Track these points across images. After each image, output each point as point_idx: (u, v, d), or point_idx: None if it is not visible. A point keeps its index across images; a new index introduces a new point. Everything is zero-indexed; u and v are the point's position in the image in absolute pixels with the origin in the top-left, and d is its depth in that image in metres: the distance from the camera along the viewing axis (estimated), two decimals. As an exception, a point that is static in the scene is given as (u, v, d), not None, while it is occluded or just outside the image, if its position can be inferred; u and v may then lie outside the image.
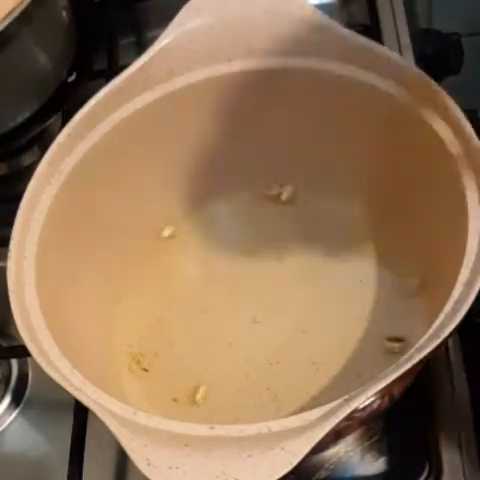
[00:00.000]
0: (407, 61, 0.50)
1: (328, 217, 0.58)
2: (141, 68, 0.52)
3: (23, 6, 0.60)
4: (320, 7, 0.52)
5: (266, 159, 0.58)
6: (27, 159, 0.72)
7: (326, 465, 0.52)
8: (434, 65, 0.74)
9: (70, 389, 0.41)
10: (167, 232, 0.59)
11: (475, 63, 0.84)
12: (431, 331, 0.40)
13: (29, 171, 0.50)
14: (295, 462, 0.36)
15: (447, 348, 0.54)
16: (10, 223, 0.48)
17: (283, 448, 0.36)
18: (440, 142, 0.47)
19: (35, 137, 0.69)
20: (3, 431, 0.60)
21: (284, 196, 0.59)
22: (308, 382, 0.50)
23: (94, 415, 0.40)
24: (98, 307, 0.54)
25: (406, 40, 0.72)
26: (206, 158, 0.58)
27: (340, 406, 0.37)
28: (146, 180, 0.57)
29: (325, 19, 0.51)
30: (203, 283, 0.57)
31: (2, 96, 0.66)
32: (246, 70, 0.53)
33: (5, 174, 0.74)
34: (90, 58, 0.71)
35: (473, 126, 0.46)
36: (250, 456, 0.37)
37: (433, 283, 0.50)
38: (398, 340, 0.50)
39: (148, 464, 0.37)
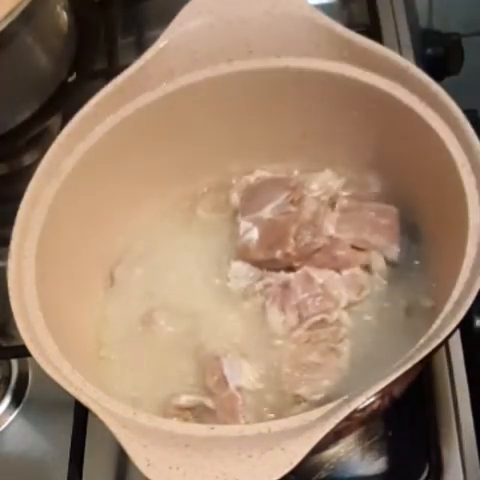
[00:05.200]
0: (407, 61, 0.50)
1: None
2: (141, 68, 0.52)
3: (23, 6, 0.60)
4: (320, 7, 0.52)
5: (267, 157, 0.58)
6: (27, 159, 0.72)
7: (326, 465, 0.52)
8: (434, 65, 0.75)
9: (70, 389, 0.41)
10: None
11: (475, 63, 0.84)
12: (431, 331, 0.40)
13: (29, 171, 0.50)
14: (295, 462, 0.36)
15: (447, 348, 0.54)
16: (10, 223, 0.48)
17: (283, 448, 0.36)
18: (440, 142, 0.47)
19: (35, 137, 0.69)
20: (3, 431, 0.60)
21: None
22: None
23: (94, 415, 0.40)
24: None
25: (406, 40, 0.72)
26: (206, 157, 0.58)
27: (340, 406, 0.37)
28: (146, 179, 0.57)
29: (325, 19, 0.51)
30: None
31: (2, 96, 0.66)
32: (246, 70, 0.53)
33: (5, 174, 0.74)
34: (90, 58, 0.71)
35: (473, 126, 0.46)
36: (250, 456, 0.37)
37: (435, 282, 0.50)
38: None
39: (148, 464, 0.37)
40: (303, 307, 0.51)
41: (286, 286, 0.52)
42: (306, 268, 0.52)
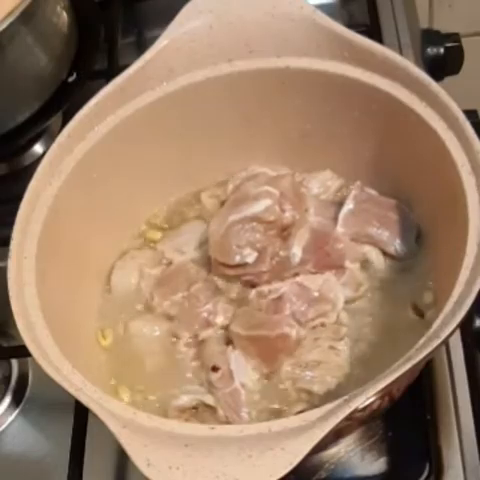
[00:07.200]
0: (407, 61, 0.50)
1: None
2: (141, 68, 0.52)
3: (23, 6, 0.60)
4: (320, 7, 0.52)
5: (268, 157, 0.58)
6: (27, 159, 0.72)
7: (326, 465, 0.52)
8: (434, 65, 0.75)
9: (71, 390, 0.41)
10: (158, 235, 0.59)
11: (475, 63, 0.84)
12: (431, 331, 0.40)
13: (29, 171, 0.50)
14: (295, 462, 0.36)
15: (447, 348, 0.54)
16: (10, 223, 0.48)
17: (283, 448, 0.36)
18: (440, 142, 0.47)
19: (35, 137, 0.69)
20: (3, 431, 0.60)
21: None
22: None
23: (94, 415, 0.40)
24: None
25: (406, 40, 0.72)
26: (206, 157, 0.58)
27: (340, 406, 0.37)
28: (146, 179, 0.57)
29: (325, 19, 0.51)
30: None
31: (2, 96, 0.66)
32: (246, 70, 0.53)
33: (5, 174, 0.74)
34: (90, 58, 0.71)
35: (473, 126, 0.46)
36: (250, 456, 0.37)
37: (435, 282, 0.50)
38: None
39: (148, 464, 0.37)
40: (299, 314, 0.51)
41: (279, 298, 0.51)
42: (298, 278, 0.52)
